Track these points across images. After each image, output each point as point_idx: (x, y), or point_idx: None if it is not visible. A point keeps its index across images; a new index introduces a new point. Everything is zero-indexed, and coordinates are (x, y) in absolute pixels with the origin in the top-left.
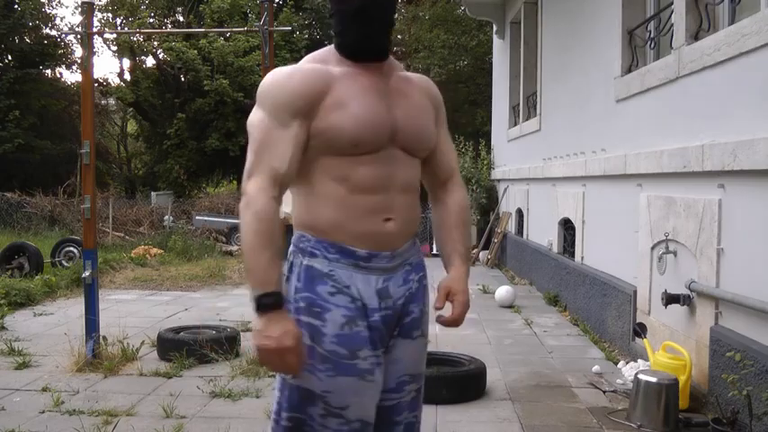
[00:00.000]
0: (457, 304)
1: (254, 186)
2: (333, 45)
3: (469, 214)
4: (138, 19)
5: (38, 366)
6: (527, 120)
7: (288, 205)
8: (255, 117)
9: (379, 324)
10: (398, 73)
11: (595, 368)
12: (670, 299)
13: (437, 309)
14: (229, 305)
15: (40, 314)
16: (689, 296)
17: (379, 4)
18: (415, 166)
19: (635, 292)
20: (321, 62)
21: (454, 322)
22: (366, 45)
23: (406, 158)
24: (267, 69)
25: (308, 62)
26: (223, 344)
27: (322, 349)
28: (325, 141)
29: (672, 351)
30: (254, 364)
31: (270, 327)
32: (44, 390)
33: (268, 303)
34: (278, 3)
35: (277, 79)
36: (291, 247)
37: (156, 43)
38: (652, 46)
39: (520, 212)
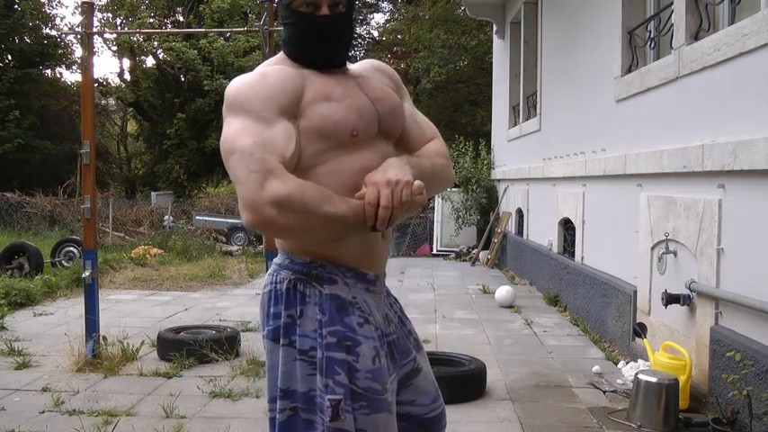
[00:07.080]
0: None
1: (277, 183)
2: (283, 54)
3: (444, 162)
4: (138, 19)
5: (38, 366)
6: (527, 120)
7: None
8: (232, 127)
9: (389, 350)
10: (354, 69)
11: (595, 368)
12: (670, 299)
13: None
14: (229, 305)
15: (40, 314)
16: (689, 296)
17: (336, 23)
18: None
19: (635, 292)
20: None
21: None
22: (327, 59)
23: (388, 147)
24: None
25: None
26: (223, 344)
27: (356, 387)
28: (320, 139)
29: (672, 351)
30: (254, 363)
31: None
32: (44, 390)
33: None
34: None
35: (248, 81)
36: (288, 275)
37: (156, 43)
38: (652, 46)
39: (520, 212)
